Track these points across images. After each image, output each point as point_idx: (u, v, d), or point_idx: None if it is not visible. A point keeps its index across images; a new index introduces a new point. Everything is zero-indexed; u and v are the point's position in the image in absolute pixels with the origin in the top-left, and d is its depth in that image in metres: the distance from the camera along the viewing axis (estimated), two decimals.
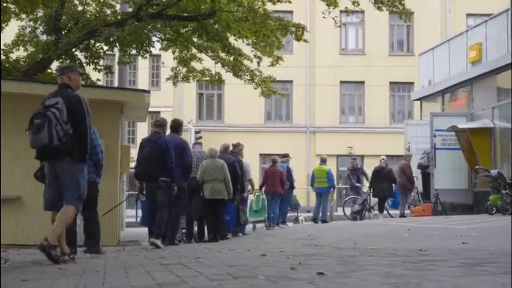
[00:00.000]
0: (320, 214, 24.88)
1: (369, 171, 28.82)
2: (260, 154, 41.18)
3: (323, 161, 25.58)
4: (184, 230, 16.02)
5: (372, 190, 25.97)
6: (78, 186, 8.96)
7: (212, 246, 13.25)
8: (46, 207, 9.27)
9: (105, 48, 22.22)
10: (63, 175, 8.91)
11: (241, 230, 19.05)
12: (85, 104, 9.06)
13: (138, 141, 16.30)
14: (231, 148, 18.69)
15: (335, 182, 26.13)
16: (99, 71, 22.78)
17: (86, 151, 8.99)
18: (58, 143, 8.66)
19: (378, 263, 6.88)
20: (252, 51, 23.30)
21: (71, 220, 9.31)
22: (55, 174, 8.98)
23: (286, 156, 23.88)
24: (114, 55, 25.55)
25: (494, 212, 20.43)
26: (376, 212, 27.37)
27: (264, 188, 22.41)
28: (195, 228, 16.80)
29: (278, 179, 22.13)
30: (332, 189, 25.58)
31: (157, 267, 7.55)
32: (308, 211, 36.31)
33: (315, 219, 24.92)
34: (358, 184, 26.90)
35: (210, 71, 24.69)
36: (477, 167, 22.88)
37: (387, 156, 42.68)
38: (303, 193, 37.75)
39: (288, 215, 25.14)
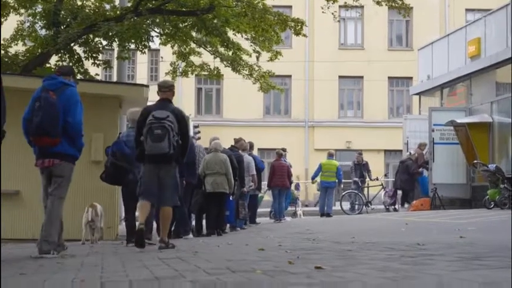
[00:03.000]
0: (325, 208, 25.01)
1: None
2: (259, 149, 41.13)
3: (331, 156, 25.60)
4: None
5: (395, 182, 26.36)
6: (177, 186, 10.77)
7: (210, 240, 13.28)
8: (145, 199, 10.51)
9: (104, 43, 22.21)
10: (168, 177, 10.47)
11: (239, 224, 19.10)
12: (187, 118, 10.83)
13: None
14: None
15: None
16: (98, 65, 22.77)
17: (185, 157, 10.80)
18: (173, 151, 10.24)
19: (376, 257, 6.90)
20: (251, 45, 23.28)
21: (171, 217, 10.92)
22: (157, 175, 10.44)
23: (284, 150, 23.90)
24: (113, 50, 25.52)
25: (492, 206, 20.49)
26: (374, 206, 27.48)
27: (271, 182, 22.51)
28: (193, 223, 16.84)
29: (286, 173, 22.32)
30: (339, 184, 25.73)
31: (155, 261, 7.56)
32: (306, 205, 36.42)
33: (322, 214, 24.92)
34: (356, 179, 26.97)
35: (209, 65, 24.69)
36: (475, 161, 22.90)
37: (386, 150, 43.11)
38: (301, 187, 37.77)
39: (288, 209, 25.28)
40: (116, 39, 21.33)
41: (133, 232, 11.92)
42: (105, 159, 12.56)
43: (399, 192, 27.05)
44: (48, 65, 21.69)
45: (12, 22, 23.24)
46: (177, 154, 10.40)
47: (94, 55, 22.02)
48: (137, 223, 10.52)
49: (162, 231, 10.63)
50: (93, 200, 13.78)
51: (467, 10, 44.73)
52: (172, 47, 24.35)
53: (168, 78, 25.92)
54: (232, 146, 18.98)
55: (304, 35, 23.11)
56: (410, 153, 26.39)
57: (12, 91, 14.01)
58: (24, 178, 14.39)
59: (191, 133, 29.53)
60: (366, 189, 27.97)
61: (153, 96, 14.67)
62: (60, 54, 21.87)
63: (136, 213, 11.21)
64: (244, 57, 23.59)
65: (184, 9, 21.92)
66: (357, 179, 27.03)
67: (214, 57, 24.00)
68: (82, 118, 9.41)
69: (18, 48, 22.99)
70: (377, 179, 28.28)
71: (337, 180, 25.02)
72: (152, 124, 10.26)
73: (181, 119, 10.55)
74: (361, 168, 27.44)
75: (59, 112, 9.04)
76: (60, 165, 9.25)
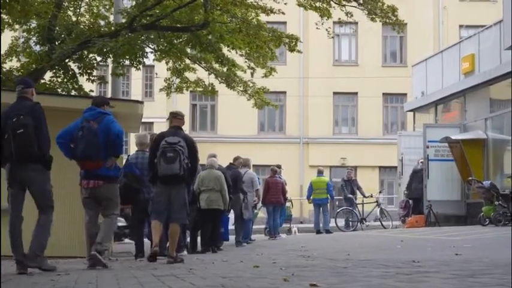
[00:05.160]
0: (321, 225, 25.06)
1: (362, 183, 28.88)
2: (253, 165, 41.05)
3: (320, 173, 25.82)
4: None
5: (408, 192, 26.18)
6: (186, 206, 11.79)
7: (205, 257, 13.25)
8: (156, 218, 11.63)
9: (99, 59, 22.18)
10: (178, 197, 11.54)
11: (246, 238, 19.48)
12: (196, 144, 11.94)
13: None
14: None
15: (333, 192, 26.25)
16: (93, 81, 22.74)
17: (193, 179, 12.13)
18: (183, 173, 11.33)
19: (371, 275, 6.88)
20: (246, 62, 23.30)
21: (179, 233, 11.96)
22: (169, 195, 11.52)
23: (278, 167, 23.90)
24: (107, 66, 25.51)
25: (487, 223, 20.45)
26: (368, 223, 27.43)
27: (265, 199, 22.51)
28: (188, 239, 16.81)
29: (280, 190, 22.36)
30: (331, 200, 25.79)
31: (150, 279, 7.52)
32: (301, 222, 36.38)
33: (318, 231, 24.99)
34: (350, 195, 26.93)
35: (204, 81, 24.68)
36: (470, 178, 22.89)
37: (380, 167, 43.11)
38: (296, 204, 37.73)
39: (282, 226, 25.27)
40: (111, 56, 21.30)
41: (142, 248, 13.60)
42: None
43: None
44: (42, 81, 21.67)
45: (6, 38, 23.22)
46: (187, 175, 11.51)
47: (88, 71, 21.97)
48: (152, 246, 11.52)
49: (170, 246, 11.60)
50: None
51: (461, 26, 44.82)
52: (166, 63, 24.35)
53: (163, 94, 25.97)
54: (230, 163, 19.22)
55: (299, 51, 23.14)
56: (419, 162, 26.15)
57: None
58: None
59: None
60: (360, 206, 27.85)
61: (147, 113, 14.67)
62: (54, 70, 21.83)
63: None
64: (239, 73, 23.62)
65: (179, 25, 21.94)
66: (351, 195, 26.98)
67: (209, 74, 24.02)
68: (122, 131, 10.71)
69: (12, 64, 22.97)
70: (371, 196, 28.23)
71: (329, 196, 25.12)
72: (165, 148, 11.39)
73: (191, 145, 11.69)
74: (351, 185, 27.43)
75: (100, 139, 10.24)
76: (104, 186, 10.39)
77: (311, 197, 25.42)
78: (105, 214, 10.60)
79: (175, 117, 12.14)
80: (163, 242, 12.75)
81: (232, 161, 19.60)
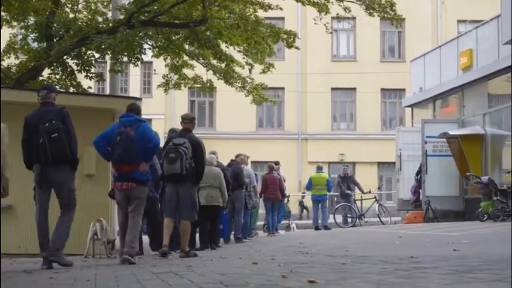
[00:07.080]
0: (320, 221, 25.07)
1: (360, 179, 28.89)
2: (252, 161, 41.09)
3: (320, 169, 25.80)
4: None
5: (417, 177, 26.31)
6: (195, 204, 12.56)
7: (204, 254, 13.25)
8: (168, 215, 12.55)
9: (97, 55, 22.17)
10: (185, 195, 12.32)
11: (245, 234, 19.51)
12: (202, 145, 12.58)
13: None
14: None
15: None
16: (91, 78, 22.72)
17: (200, 179, 12.69)
18: (186, 172, 12.02)
19: (370, 271, 6.88)
20: (244, 58, 23.29)
21: (190, 230, 12.84)
22: (177, 194, 12.33)
23: (277, 163, 23.89)
24: (105, 62, 25.49)
25: (485, 218, 20.48)
26: (367, 219, 27.46)
27: (263, 196, 22.51)
28: None
29: (278, 186, 22.36)
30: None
31: (148, 276, 7.53)
32: (300, 218, 36.38)
33: (317, 227, 25.00)
34: (348, 191, 26.92)
35: (202, 78, 24.67)
36: (468, 173, 22.92)
37: (379, 163, 43.12)
38: (295, 200, 37.74)
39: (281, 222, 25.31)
40: (109, 52, 21.29)
41: (140, 245, 13.81)
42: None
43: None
44: (41, 78, 21.65)
45: (4, 35, 23.19)
46: (191, 175, 12.18)
47: (87, 68, 21.96)
48: (162, 247, 12.29)
49: (182, 242, 12.50)
50: (86, 213, 13.72)
51: (459, 21, 44.79)
52: (165, 59, 24.33)
53: (161, 90, 25.97)
54: (231, 160, 19.51)
55: (297, 48, 23.12)
56: None
57: (4, 105, 13.91)
58: (18, 192, 14.27)
59: None
60: (359, 202, 27.89)
61: (145, 110, 14.70)
62: (52, 67, 21.83)
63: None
64: (237, 69, 23.59)
65: (177, 22, 21.92)
66: (349, 191, 26.98)
67: (207, 70, 24.00)
68: (159, 141, 11.65)
69: (10, 61, 22.95)
70: (369, 192, 28.24)
71: (327, 193, 25.12)
72: (169, 149, 12.22)
73: (197, 146, 12.37)
74: (348, 181, 27.43)
75: (136, 145, 10.92)
76: (137, 188, 11.06)
77: (310, 192, 25.42)
78: (131, 214, 11.09)
79: (182, 121, 12.84)
80: (178, 239, 13.31)
81: (233, 158, 19.71)
